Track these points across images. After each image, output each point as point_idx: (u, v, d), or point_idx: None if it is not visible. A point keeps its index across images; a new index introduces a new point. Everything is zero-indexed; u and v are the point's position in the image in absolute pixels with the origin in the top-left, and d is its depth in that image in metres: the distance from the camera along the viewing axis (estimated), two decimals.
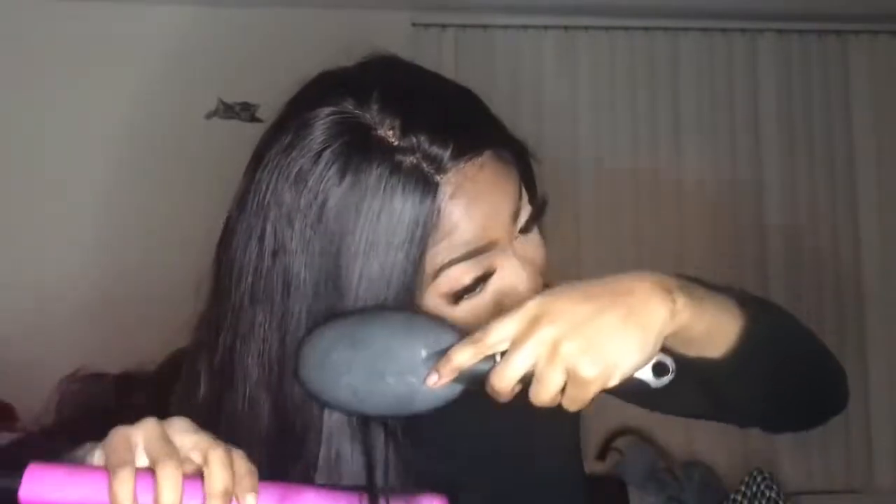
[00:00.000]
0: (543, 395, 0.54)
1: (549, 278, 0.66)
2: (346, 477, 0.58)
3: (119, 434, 0.52)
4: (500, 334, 0.54)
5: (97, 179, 2.68)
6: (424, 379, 0.55)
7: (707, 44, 2.95)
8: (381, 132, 0.58)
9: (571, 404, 0.55)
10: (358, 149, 0.57)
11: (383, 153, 0.57)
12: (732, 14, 2.90)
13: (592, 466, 2.59)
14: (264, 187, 0.60)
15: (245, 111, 2.72)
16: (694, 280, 0.62)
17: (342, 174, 0.57)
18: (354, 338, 0.55)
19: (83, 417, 0.67)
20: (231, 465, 0.50)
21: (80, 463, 0.53)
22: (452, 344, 0.55)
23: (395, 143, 0.57)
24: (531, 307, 0.54)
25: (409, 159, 0.57)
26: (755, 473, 2.46)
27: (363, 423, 0.59)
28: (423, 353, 0.54)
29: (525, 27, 2.87)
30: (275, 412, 0.60)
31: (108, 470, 0.50)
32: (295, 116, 0.60)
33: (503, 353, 0.54)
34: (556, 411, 0.71)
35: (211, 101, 2.74)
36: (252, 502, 0.50)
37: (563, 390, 0.54)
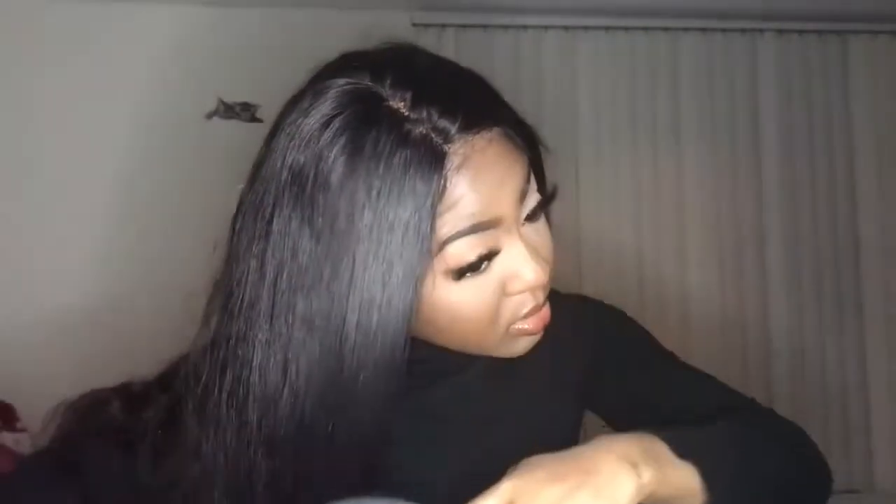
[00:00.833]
0: None
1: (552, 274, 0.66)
2: None
3: None
4: None
5: (97, 179, 2.68)
6: None
7: (707, 44, 2.95)
8: (392, 103, 0.58)
9: None
10: (368, 117, 0.58)
11: (393, 122, 0.58)
12: (732, 14, 2.90)
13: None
14: (276, 153, 0.60)
15: (245, 111, 2.72)
16: (661, 434, 0.62)
17: (351, 141, 0.57)
18: None
19: (90, 435, 0.67)
20: None
21: None
22: None
23: (406, 114, 0.58)
24: (504, 489, 0.55)
25: (419, 129, 0.58)
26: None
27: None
28: None
29: (525, 27, 2.87)
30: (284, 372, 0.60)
31: None
32: (311, 87, 0.61)
33: None
34: (554, 420, 0.71)
35: (211, 101, 2.74)
36: None
37: None
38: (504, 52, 2.85)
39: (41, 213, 2.66)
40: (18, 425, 2.30)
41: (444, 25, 2.83)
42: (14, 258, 2.61)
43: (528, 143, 0.64)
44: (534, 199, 0.64)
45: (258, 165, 0.62)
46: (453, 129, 0.58)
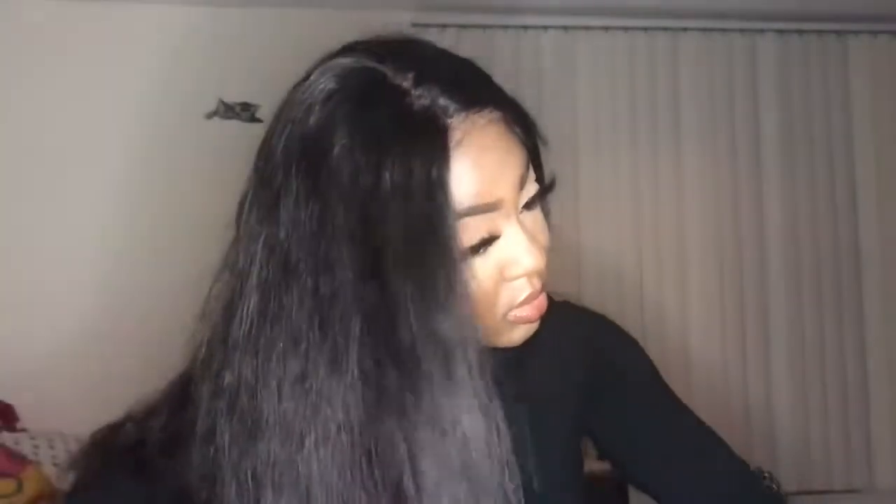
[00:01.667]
0: None
1: (550, 271, 0.66)
2: None
3: None
4: None
5: (97, 179, 2.68)
6: None
7: (707, 44, 2.95)
8: (394, 80, 0.59)
9: None
10: (370, 92, 0.58)
11: (395, 97, 0.58)
12: (732, 14, 2.90)
13: (592, 466, 2.59)
14: (277, 134, 0.60)
15: (245, 111, 2.72)
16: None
17: (352, 112, 0.57)
18: None
19: (110, 472, 0.66)
20: None
21: None
22: None
23: (408, 89, 0.58)
24: None
25: (420, 102, 0.58)
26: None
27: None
28: None
29: (525, 27, 2.87)
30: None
31: None
32: (315, 69, 0.62)
33: None
34: (555, 424, 0.70)
35: (211, 101, 2.74)
36: None
37: None
38: (504, 52, 2.85)
39: (40, 213, 2.66)
40: (18, 425, 2.30)
41: (444, 25, 2.83)
42: (15, 257, 2.61)
43: (527, 134, 0.65)
44: (532, 187, 0.64)
45: (260, 148, 0.62)
46: (454, 106, 0.58)
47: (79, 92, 2.69)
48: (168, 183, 2.67)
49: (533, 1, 2.83)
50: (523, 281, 0.63)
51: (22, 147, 2.68)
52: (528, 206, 0.64)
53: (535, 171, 0.65)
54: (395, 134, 0.56)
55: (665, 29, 2.92)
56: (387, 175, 0.55)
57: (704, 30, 2.94)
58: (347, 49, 0.63)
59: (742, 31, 2.95)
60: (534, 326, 0.67)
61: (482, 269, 0.61)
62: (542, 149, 0.68)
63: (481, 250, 0.60)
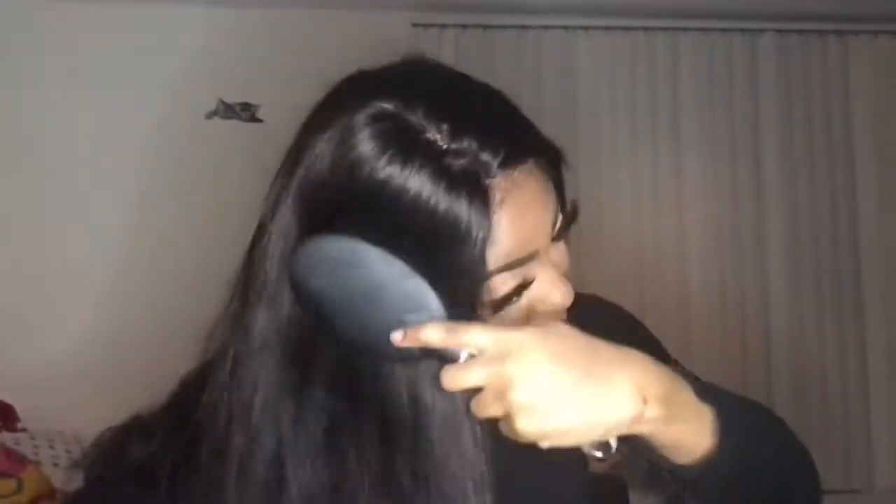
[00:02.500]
0: (478, 413, 0.55)
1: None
2: None
3: None
4: (474, 339, 0.54)
5: (97, 179, 2.68)
6: (393, 332, 0.56)
7: (707, 44, 2.95)
8: (429, 135, 0.56)
9: (507, 434, 0.55)
10: (405, 150, 0.56)
11: (432, 157, 0.56)
12: (732, 14, 2.90)
13: (594, 466, 2.58)
14: (296, 191, 0.58)
15: (245, 111, 2.72)
16: (688, 374, 0.60)
17: (390, 181, 0.55)
18: (354, 265, 0.56)
19: (121, 477, 0.65)
20: None
21: None
22: (432, 317, 0.55)
23: (444, 147, 0.56)
24: (513, 339, 0.54)
25: (459, 162, 0.56)
26: None
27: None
28: (404, 315, 0.56)
29: (525, 27, 2.87)
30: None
31: None
32: (335, 117, 0.58)
33: (472, 356, 0.55)
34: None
35: (211, 101, 2.74)
36: None
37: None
38: (504, 52, 2.85)
39: (40, 212, 2.66)
40: (19, 425, 2.30)
41: (444, 25, 2.83)
42: (16, 256, 2.61)
43: (555, 168, 0.63)
44: (559, 220, 0.63)
45: (277, 199, 0.60)
46: (495, 164, 0.56)
47: (79, 92, 2.69)
48: (168, 183, 2.67)
49: (533, 1, 2.83)
50: (552, 312, 0.63)
51: (20, 146, 2.68)
52: (554, 238, 0.63)
53: (559, 199, 0.63)
54: (437, 203, 0.55)
55: (665, 29, 2.92)
56: (428, 246, 0.55)
57: (704, 30, 2.94)
58: (367, 86, 0.60)
59: (742, 31, 2.95)
60: None
61: (513, 312, 0.61)
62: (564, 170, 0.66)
63: (514, 299, 0.60)
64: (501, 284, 0.59)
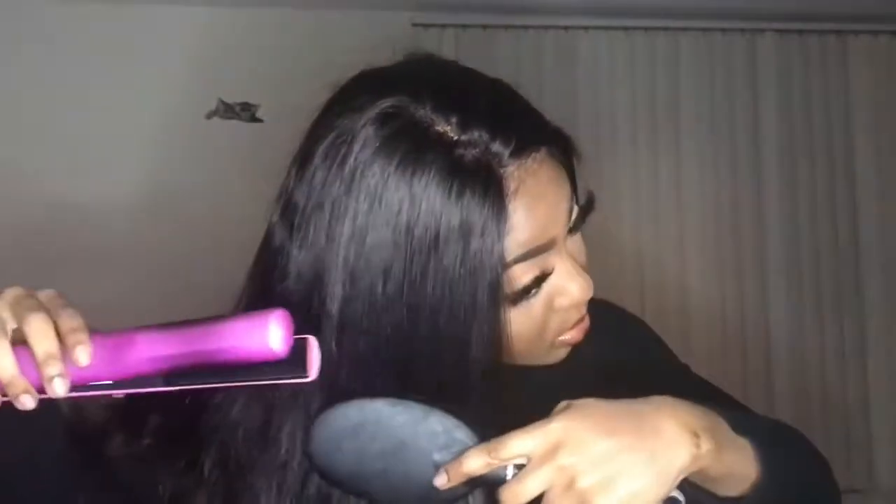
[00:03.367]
0: None
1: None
2: None
3: None
4: (518, 449, 0.53)
5: (97, 179, 2.68)
6: (434, 478, 0.53)
7: (707, 44, 2.95)
8: (438, 128, 0.56)
9: None
10: (415, 147, 0.55)
11: (442, 150, 0.55)
12: (732, 14, 2.90)
13: None
14: (315, 193, 0.58)
15: (245, 111, 2.72)
16: (714, 404, 0.60)
17: (402, 176, 0.55)
18: (368, 428, 0.54)
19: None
20: (51, 328, 0.49)
21: None
22: (467, 446, 0.53)
23: (455, 139, 0.56)
24: (554, 430, 0.52)
25: (471, 153, 0.56)
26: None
27: None
28: (436, 456, 0.53)
29: (525, 27, 2.87)
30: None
31: None
32: (342, 117, 0.58)
33: (518, 466, 0.53)
34: None
35: (211, 101, 2.74)
36: (84, 356, 0.49)
37: None
38: (504, 52, 2.85)
39: (40, 210, 2.66)
40: None
41: (444, 25, 2.83)
42: (18, 254, 2.61)
43: (566, 154, 0.63)
44: (574, 211, 0.63)
45: (288, 202, 0.60)
46: (507, 154, 0.56)
47: (79, 92, 2.69)
48: (168, 182, 2.67)
49: (533, 1, 2.83)
50: (572, 308, 0.63)
51: (20, 146, 2.68)
52: (571, 230, 0.62)
53: (573, 190, 0.63)
54: (450, 195, 0.54)
55: (665, 29, 2.92)
56: (444, 239, 0.55)
57: (704, 30, 2.94)
58: (375, 81, 0.60)
59: (742, 31, 2.95)
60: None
61: (533, 305, 0.60)
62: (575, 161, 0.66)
63: (534, 291, 0.60)
64: (521, 275, 0.58)
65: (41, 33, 2.70)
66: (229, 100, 2.74)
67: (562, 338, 0.65)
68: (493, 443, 0.53)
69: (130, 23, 2.74)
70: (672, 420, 0.54)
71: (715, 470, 0.56)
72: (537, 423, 0.53)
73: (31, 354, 0.48)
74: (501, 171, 0.56)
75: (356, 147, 0.56)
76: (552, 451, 0.52)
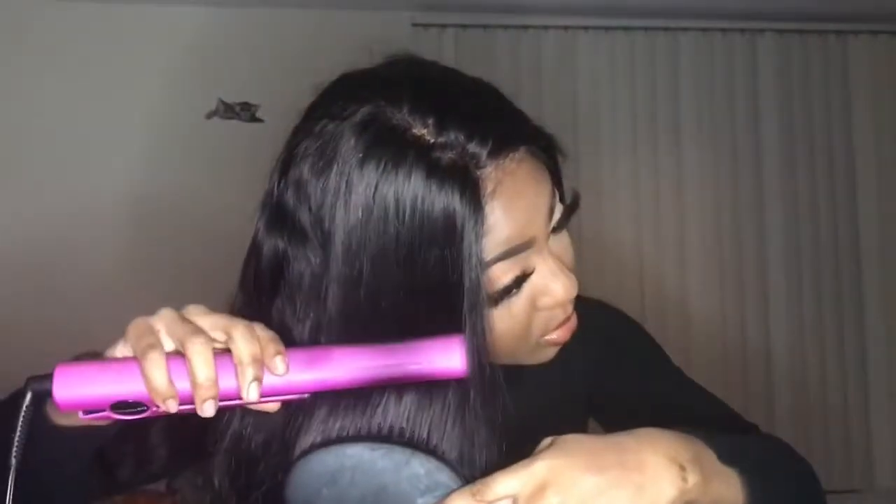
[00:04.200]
0: None
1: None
2: None
3: (139, 322, 0.52)
4: (503, 490, 0.52)
5: (97, 179, 2.68)
6: None
7: (707, 44, 2.95)
8: (415, 131, 0.56)
9: None
10: (393, 153, 0.55)
11: (420, 152, 0.55)
12: (732, 14, 2.90)
13: None
14: (301, 201, 0.58)
15: (245, 111, 2.72)
16: (703, 438, 0.59)
17: (384, 181, 0.55)
18: (347, 474, 0.53)
19: None
20: (255, 335, 0.51)
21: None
22: (450, 489, 0.52)
23: (432, 141, 0.56)
24: (539, 469, 0.52)
25: (448, 155, 0.55)
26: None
27: None
28: (419, 500, 0.52)
29: (525, 27, 2.87)
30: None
31: (137, 357, 0.50)
32: (323, 123, 0.58)
33: None
34: (561, 425, 0.70)
35: (211, 101, 2.74)
36: (281, 365, 0.51)
37: None
38: (504, 52, 2.85)
39: (40, 211, 2.66)
40: None
41: (444, 25, 2.83)
42: (18, 253, 2.60)
43: (548, 153, 0.63)
44: (558, 210, 0.62)
45: (277, 208, 0.60)
46: (484, 154, 0.56)
47: (80, 92, 2.69)
48: (168, 182, 2.67)
49: (533, 1, 2.83)
50: (556, 308, 0.63)
51: (20, 145, 2.68)
52: (555, 229, 0.62)
53: (557, 188, 0.63)
54: (429, 196, 0.54)
55: (665, 29, 2.92)
56: (427, 241, 0.55)
57: (704, 30, 2.94)
58: (352, 88, 0.60)
59: (742, 31, 2.95)
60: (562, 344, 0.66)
61: (515, 304, 0.60)
62: (560, 159, 0.65)
63: (514, 290, 0.60)
64: (501, 275, 0.58)
65: (41, 33, 2.71)
66: (229, 100, 2.74)
67: (547, 337, 0.64)
68: (477, 485, 0.52)
69: (130, 23, 2.74)
70: (658, 453, 0.54)
71: (702, 502, 0.56)
72: (522, 463, 0.52)
73: (188, 365, 0.50)
74: (479, 171, 0.56)
75: (339, 154, 0.56)
76: (538, 492, 0.51)
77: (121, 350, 0.53)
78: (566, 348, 0.68)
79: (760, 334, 2.88)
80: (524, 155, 0.58)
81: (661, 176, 2.89)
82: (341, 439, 0.55)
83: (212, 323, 0.52)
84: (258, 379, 0.50)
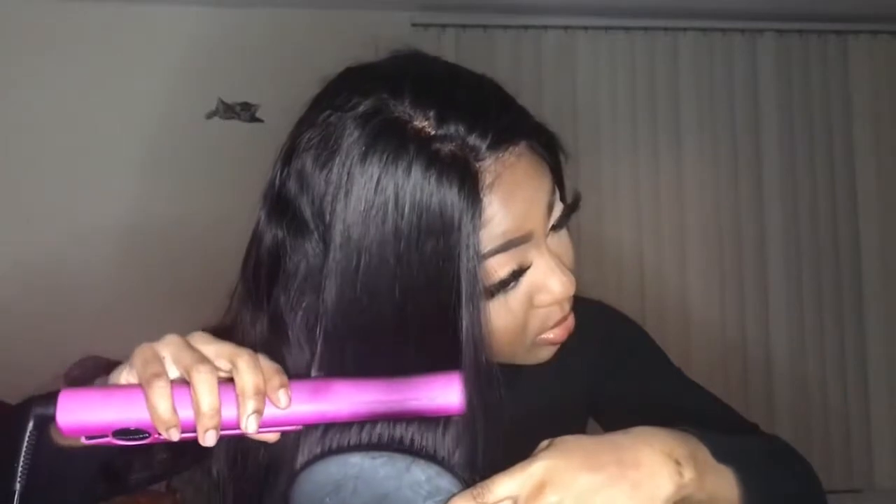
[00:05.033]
0: None
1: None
2: None
3: (145, 349, 0.52)
4: (503, 492, 0.53)
5: (97, 179, 2.68)
6: None
7: (707, 44, 2.95)
8: (416, 124, 0.56)
9: None
10: (395, 146, 0.56)
11: (420, 144, 0.56)
12: (732, 14, 2.91)
13: None
14: (304, 192, 0.58)
15: (245, 111, 2.72)
16: (698, 436, 0.60)
17: (385, 172, 0.55)
18: (349, 483, 0.53)
19: None
20: (258, 366, 0.52)
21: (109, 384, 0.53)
22: (451, 493, 0.53)
23: (432, 133, 0.56)
24: (538, 470, 0.52)
25: (447, 147, 0.56)
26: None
27: None
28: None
29: (525, 27, 2.87)
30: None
31: (142, 384, 0.50)
32: (326, 114, 0.59)
33: None
34: (560, 426, 0.70)
35: (211, 101, 2.74)
36: (284, 398, 0.51)
37: None
38: (504, 52, 2.85)
39: (40, 211, 2.66)
40: None
41: (444, 25, 2.83)
42: (17, 252, 2.61)
43: (550, 151, 0.63)
44: (558, 208, 0.62)
45: (278, 199, 0.60)
46: (484, 147, 0.56)
47: (80, 92, 2.70)
48: (168, 182, 2.67)
49: (533, 1, 2.83)
50: (553, 305, 0.63)
51: (21, 145, 2.69)
52: (555, 227, 0.62)
53: (558, 186, 0.63)
54: (428, 188, 0.55)
55: (665, 29, 2.93)
56: (425, 232, 0.55)
57: (704, 30, 2.94)
58: (355, 81, 0.60)
59: (742, 31, 2.96)
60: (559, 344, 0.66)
61: (512, 300, 0.60)
62: (562, 159, 0.66)
63: (511, 284, 0.60)
64: (498, 268, 0.58)
65: (40, 33, 2.71)
66: (229, 100, 2.74)
67: (544, 336, 0.65)
68: (477, 488, 0.53)
69: (130, 23, 2.74)
70: (654, 450, 0.54)
71: (698, 497, 0.57)
72: (520, 465, 0.53)
73: (193, 394, 0.50)
74: (478, 164, 0.56)
75: (342, 146, 0.57)
76: (537, 492, 0.52)
77: (125, 377, 0.53)
78: (565, 349, 0.68)
79: (760, 334, 2.88)
80: (524, 149, 0.59)
81: (661, 176, 2.89)
82: (342, 449, 0.55)
83: (217, 351, 0.53)
84: (258, 411, 0.51)
